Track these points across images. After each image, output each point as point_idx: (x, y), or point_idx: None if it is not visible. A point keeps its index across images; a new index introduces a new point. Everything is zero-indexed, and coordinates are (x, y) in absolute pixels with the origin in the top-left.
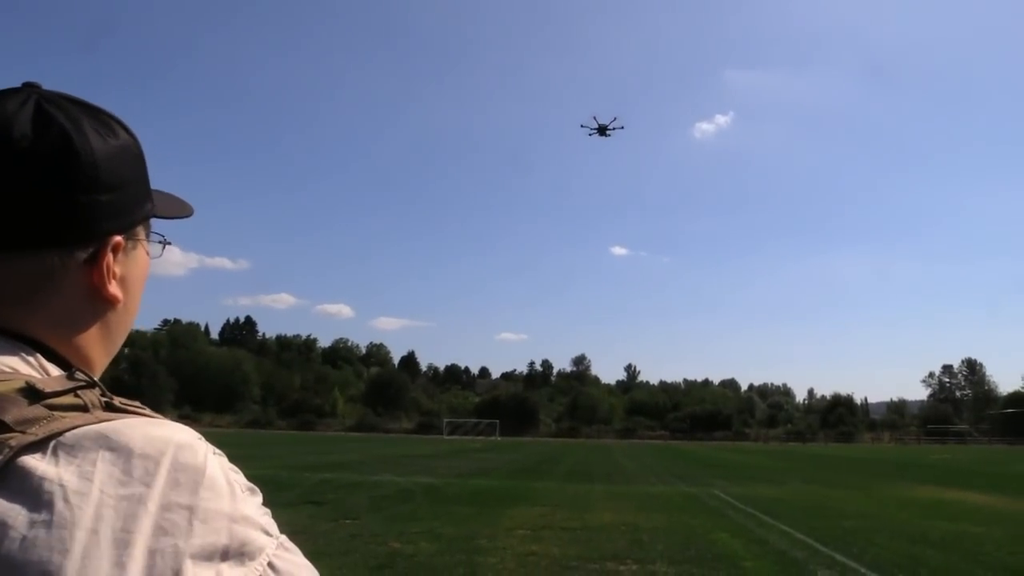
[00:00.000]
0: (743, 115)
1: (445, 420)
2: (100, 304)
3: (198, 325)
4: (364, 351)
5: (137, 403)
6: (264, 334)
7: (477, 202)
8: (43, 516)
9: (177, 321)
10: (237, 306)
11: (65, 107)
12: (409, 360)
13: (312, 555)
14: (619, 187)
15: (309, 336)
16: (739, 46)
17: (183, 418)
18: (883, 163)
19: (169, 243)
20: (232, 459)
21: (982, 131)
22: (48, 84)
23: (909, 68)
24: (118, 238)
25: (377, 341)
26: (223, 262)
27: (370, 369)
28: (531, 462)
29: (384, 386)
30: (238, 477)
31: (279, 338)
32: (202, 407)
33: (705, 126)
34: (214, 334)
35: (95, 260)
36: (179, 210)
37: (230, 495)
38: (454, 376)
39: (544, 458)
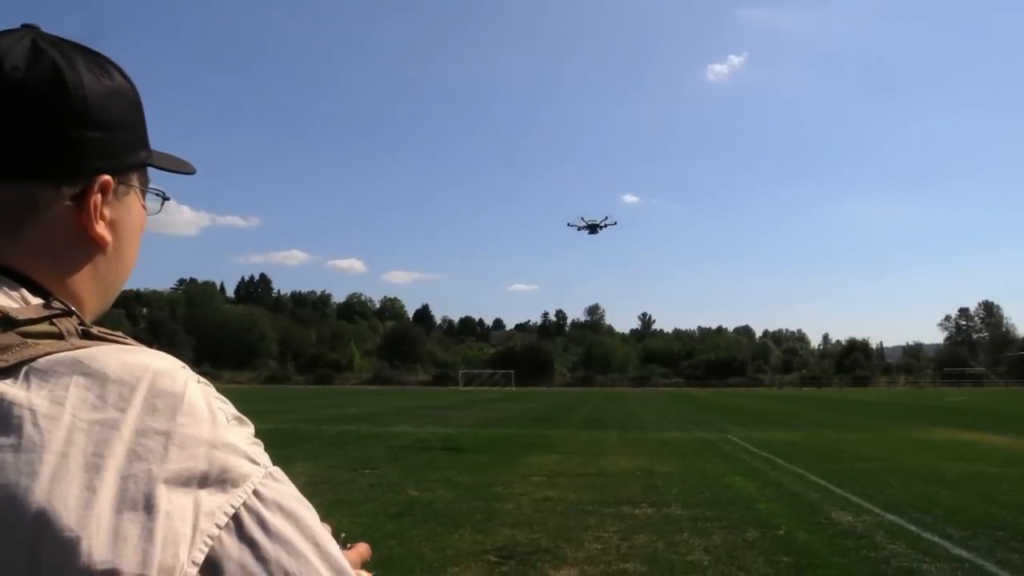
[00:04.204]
0: (757, 55)
1: (461, 371)
2: (88, 245)
3: (214, 284)
4: (378, 305)
5: (119, 332)
6: (279, 291)
7: (486, 153)
8: (11, 440)
9: (193, 280)
10: (249, 264)
11: (61, 46)
12: (423, 313)
13: (333, 504)
14: (630, 134)
15: (323, 292)
16: None
17: (203, 375)
18: (901, 104)
19: (168, 198)
20: (252, 414)
21: (1003, 70)
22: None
23: (929, 2)
24: (107, 177)
25: (391, 295)
26: (235, 220)
27: (385, 323)
28: (546, 411)
29: (400, 339)
30: (224, 406)
31: (294, 294)
32: (221, 364)
33: (718, 67)
34: (229, 292)
35: (82, 199)
36: (179, 165)
37: (211, 421)
38: (468, 328)
39: (559, 407)
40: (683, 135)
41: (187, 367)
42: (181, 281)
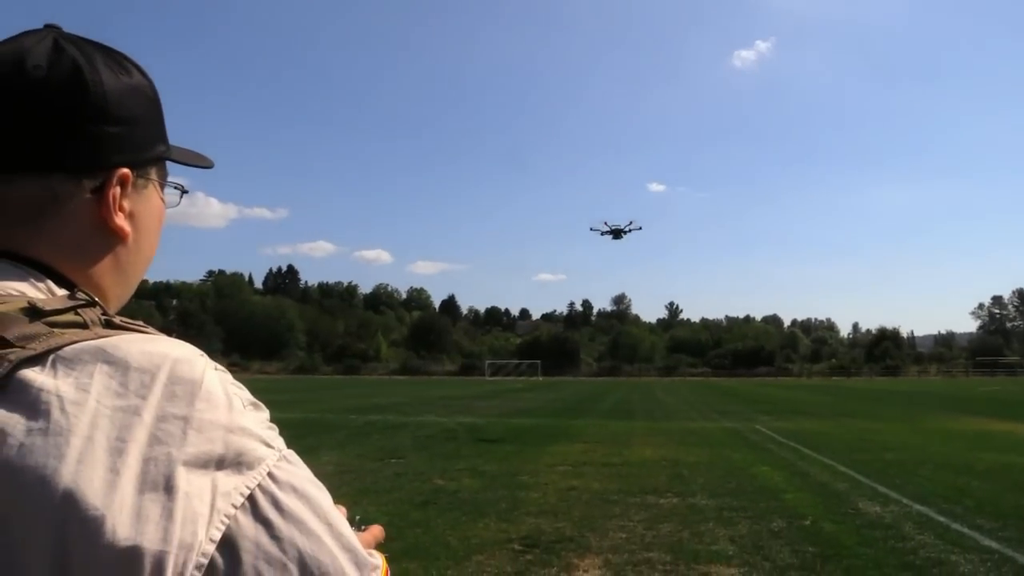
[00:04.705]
0: (785, 40)
1: (487, 361)
2: (108, 236)
3: (242, 275)
4: (405, 296)
5: (140, 322)
6: (306, 282)
7: (511, 143)
8: (40, 424)
9: (221, 272)
10: (277, 255)
11: (81, 45)
12: (450, 303)
13: (359, 492)
14: (656, 122)
15: (350, 282)
16: None
17: (232, 366)
18: (930, 89)
19: (187, 191)
20: (281, 405)
21: None
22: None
23: None
24: (125, 170)
25: (417, 285)
26: (262, 212)
27: (412, 313)
28: (572, 401)
29: (426, 330)
30: (240, 392)
31: (321, 285)
32: (249, 355)
33: (745, 54)
34: (258, 283)
35: (102, 191)
36: (196, 159)
37: (227, 407)
38: (495, 318)
39: (585, 397)
40: (710, 122)
41: (205, 355)
42: (210, 273)
